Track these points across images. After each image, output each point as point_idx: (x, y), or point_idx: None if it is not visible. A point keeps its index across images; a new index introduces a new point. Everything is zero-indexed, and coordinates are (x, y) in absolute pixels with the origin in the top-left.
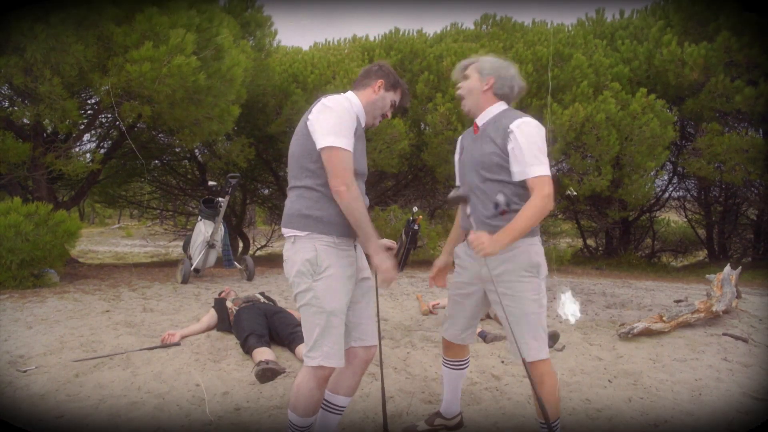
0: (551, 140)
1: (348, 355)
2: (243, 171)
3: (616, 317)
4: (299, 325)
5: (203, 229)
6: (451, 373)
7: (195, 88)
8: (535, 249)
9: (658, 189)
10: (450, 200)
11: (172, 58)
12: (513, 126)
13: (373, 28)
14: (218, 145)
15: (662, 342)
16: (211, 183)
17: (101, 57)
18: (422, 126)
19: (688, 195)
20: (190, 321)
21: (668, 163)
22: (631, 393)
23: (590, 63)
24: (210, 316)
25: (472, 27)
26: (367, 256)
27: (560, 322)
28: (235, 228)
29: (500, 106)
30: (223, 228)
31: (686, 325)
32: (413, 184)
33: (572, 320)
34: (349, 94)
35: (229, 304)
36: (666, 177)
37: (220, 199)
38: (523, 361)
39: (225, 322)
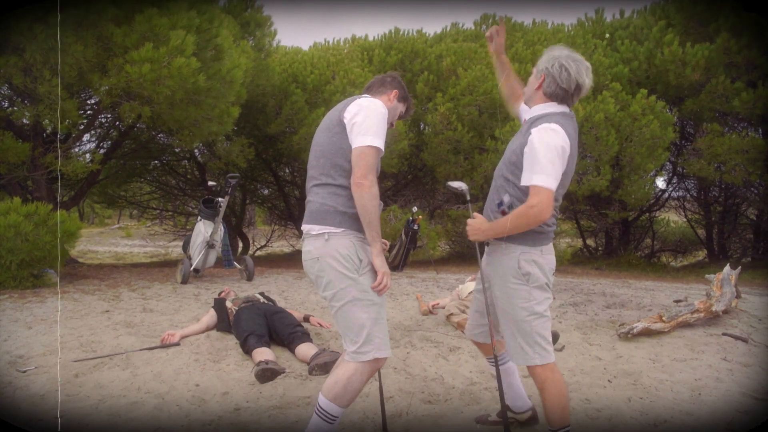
0: None
1: None
2: (243, 171)
3: (615, 317)
4: (299, 325)
5: (203, 229)
6: (496, 370)
7: (195, 89)
8: (527, 257)
9: (658, 189)
10: (449, 187)
11: (172, 60)
12: (534, 130)
13: (372, 28)
14: (218, 146)
15: (662, 342)
16: (210, 183)
17: (101, 57)
18: (422, 126)
19: (688, 195)
20: (190, 321)
21: (668, 163)
22: (630, 393)
23: (590, 63)
24: (210, 317)
25: (472, 27)
26: None
27: (560, 322)
28: (235, 228)
29: (546, 107)
30: (222, 228)
31: (686, 325)
32: (413, 184)
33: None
34: (371, 99)
35: (228, 304)
36: (665, 178)
37: (220, 199)
38: (496, 358)
39: (225, 322)
